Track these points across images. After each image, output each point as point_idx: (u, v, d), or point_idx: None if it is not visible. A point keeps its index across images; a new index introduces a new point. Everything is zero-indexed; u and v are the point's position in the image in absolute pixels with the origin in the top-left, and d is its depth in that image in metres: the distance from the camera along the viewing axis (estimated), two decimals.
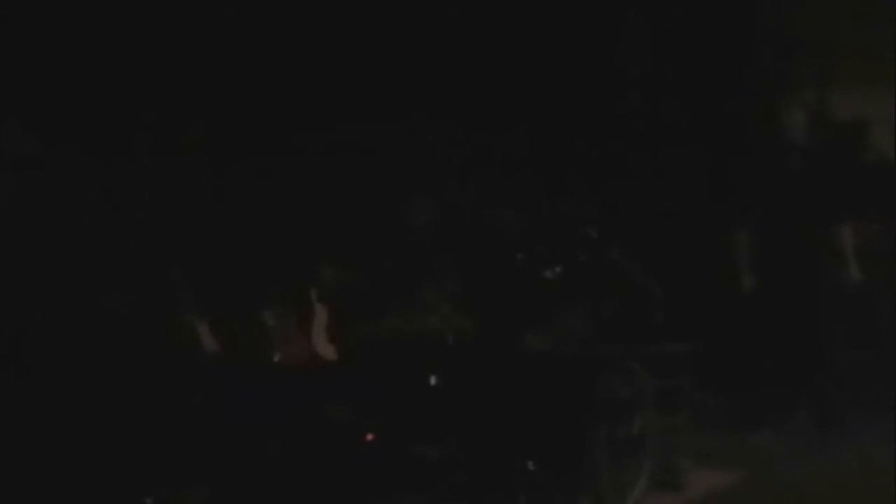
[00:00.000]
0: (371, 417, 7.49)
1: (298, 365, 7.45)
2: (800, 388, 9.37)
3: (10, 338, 7.01)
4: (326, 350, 7.58)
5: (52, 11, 7.95)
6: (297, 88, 8.98)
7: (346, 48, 9.28)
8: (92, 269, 7.29)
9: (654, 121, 11.00)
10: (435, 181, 8.66)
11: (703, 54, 11.11)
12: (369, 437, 7.41)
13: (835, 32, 11.07)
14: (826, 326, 9.30)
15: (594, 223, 8.33)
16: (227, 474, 7.21)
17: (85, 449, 7.04)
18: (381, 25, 9.45)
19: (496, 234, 8.32)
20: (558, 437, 7.79)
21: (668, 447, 8.23)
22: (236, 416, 7.19)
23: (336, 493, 7.37)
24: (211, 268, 7.35)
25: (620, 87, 11.10)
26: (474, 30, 9.97)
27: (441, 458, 7.60)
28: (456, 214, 8.47)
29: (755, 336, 9.33)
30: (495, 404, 7.71)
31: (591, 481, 7.82)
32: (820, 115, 10.49)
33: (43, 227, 7.34)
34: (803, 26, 11.29)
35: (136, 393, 7.14)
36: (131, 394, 7.14)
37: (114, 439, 7.09)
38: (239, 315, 7.37)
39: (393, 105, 9.34)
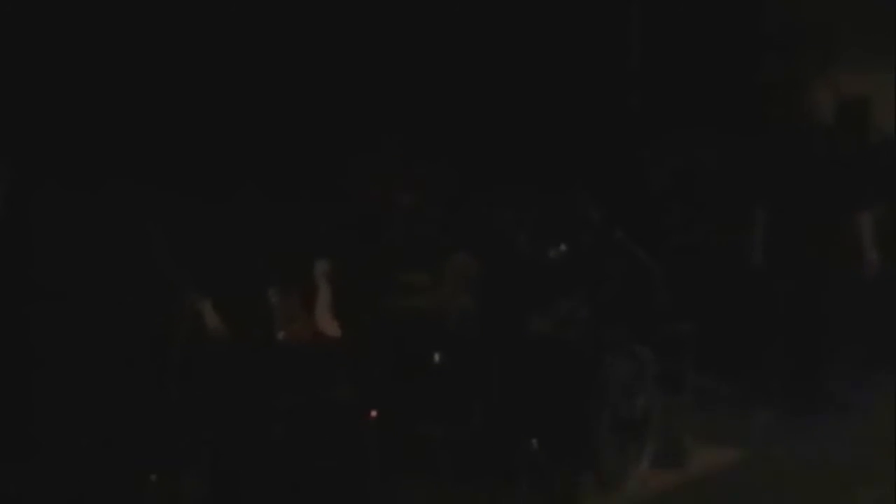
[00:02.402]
0: (375, 397, 7.51)
1: (302, 343, 7.46)
2: (802, 369, 9.40)
3: (16, 316, 7.06)
4: (330, 329, 7.59)
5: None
6: (298, 85, 9.01)
7: (350, 40, 9.32)
8: (95, 249, 7.31)
9: (660, 105, 11.02)
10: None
11: (707, 40, 11.14)
12: (373, 413, 7.43)
13: (838, 17, 11.11)
14: (829, 308, 9.33)
15: (596, 204, 8.36)
16: (231, 452, 7.23)
17: (90, 426, 7.08)
18: (385, 18, 9.50)
19: (499, 216, 8.34)
20: (562, 417, 7.81)
21: (670, 426, 8.27)
22: (239, 394, 7.21)
23: (340, 473, 7.39)
24: (214, 246, 7.36)
25: (627, 72, 11.13)
26: (476, 23, 10.01)
27: (445, 438, 7.62)
28: (459, 196, 8.49)
29: (758, 317, 9.36)
30: (499, 385, 7.74)
31: (594, 460, 7.86)
32: (825, 99, 10.48)
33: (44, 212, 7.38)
34: (807, 12, 11.32)
35: (140, 370, 7.17)
36: (136, 371, 7.17)
37: (118, 417, 7.12)
38: (242, 293, 7.39)
39: (391, 96, 9.38)
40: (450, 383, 7.69)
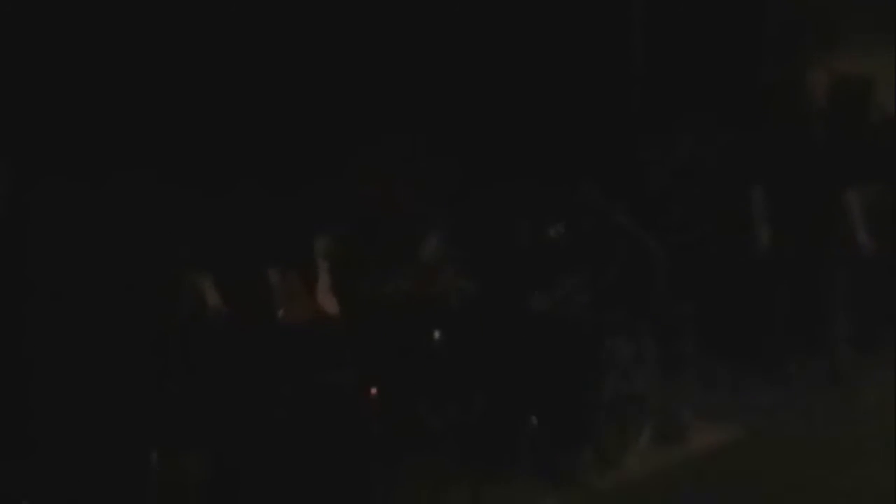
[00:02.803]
0: (375, 378, 7.53)
1: (302, 324, 7.49)
2: (803, 347, 9.44)
3: (18, 294, 7.08)
4: (330, 309, 7.61)
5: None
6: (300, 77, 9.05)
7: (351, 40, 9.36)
8: (94, 233, 7.33)
9: (663, 89, 11.02)
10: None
11: (706, 26, 11.15)
12: (373, 391, 7.45)
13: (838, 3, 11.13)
14: (830, 287, 9.37)
15: (598, 185, 8.39)
16: (231, 432, 7.25)
17: (90, 405, 7.10)
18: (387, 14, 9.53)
19: (500, 197, 8.37)
20: (562, 396, 7.85)
21: (670, 403, 8.30)
22: (239, 374, 7.24)
23: (340, 454, 7.42)
24: (215, 226, 7.39)
25: (631, 58, 11.13)
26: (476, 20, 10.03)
27: (446, 418, 7.65)
28: (460, 178, 8.51)
29: (758, 297, 9.39)
30: (499, 364, 7.77)
31: (593, 437, 7.90)
32: (825, 80, 10.51)
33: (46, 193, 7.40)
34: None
35: (140, 350, 7.19)
36: (136, 351, 7.19)
37: (118, 396, 7.14)
38: (243, 273, 7.41)
39: (392, 91, 9.41)
40: (450, 364, 7.71)
